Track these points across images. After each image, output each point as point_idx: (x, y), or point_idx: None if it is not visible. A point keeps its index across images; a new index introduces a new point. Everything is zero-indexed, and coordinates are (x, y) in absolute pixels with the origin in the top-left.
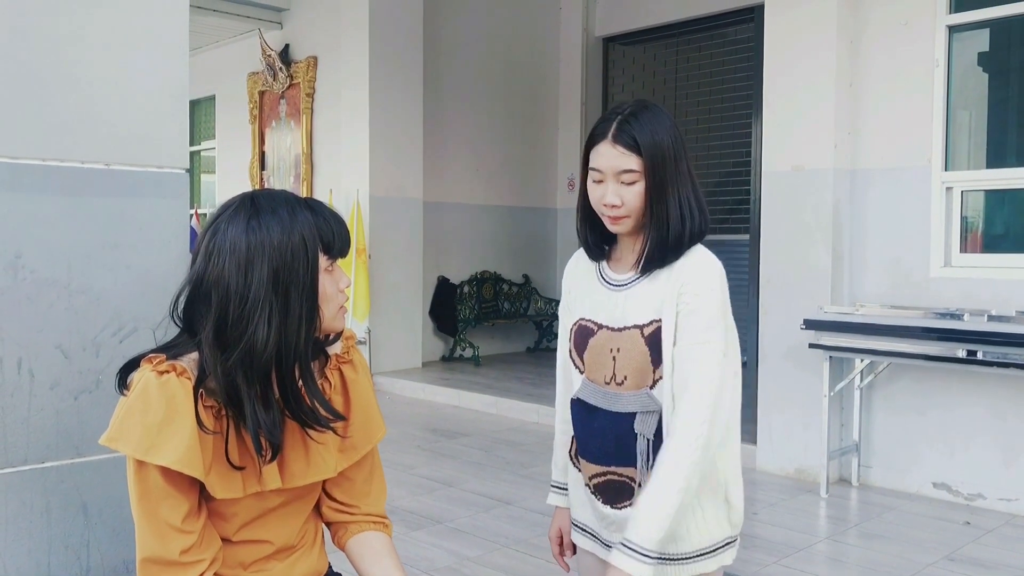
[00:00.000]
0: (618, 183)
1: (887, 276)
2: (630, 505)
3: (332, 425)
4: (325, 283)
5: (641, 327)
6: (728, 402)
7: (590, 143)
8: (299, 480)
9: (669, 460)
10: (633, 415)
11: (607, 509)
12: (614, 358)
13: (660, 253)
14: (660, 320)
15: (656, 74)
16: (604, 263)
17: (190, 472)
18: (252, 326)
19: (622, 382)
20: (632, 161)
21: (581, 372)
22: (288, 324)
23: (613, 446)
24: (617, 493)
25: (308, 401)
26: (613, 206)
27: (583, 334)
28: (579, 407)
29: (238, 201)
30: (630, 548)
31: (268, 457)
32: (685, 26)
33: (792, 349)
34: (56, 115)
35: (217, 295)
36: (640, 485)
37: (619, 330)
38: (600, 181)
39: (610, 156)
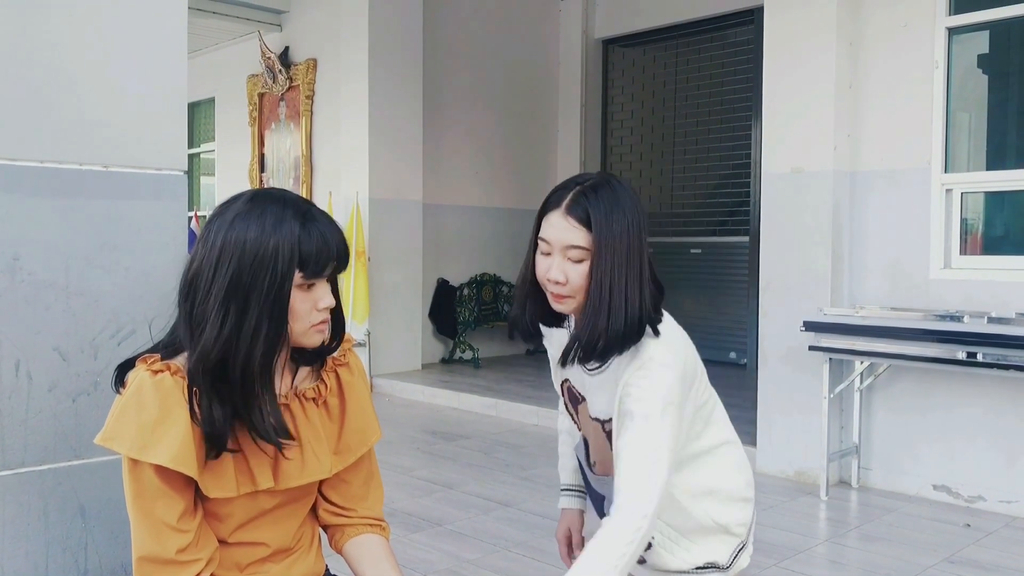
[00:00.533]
0: (564, 258)
1: (887, 278)
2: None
3: (281, 442)
4: (296, 299)
5: (602, 423)
6: (661, 481)
7: (543, 210)
8: (293, 480)
9: (605, 541)
10: (603, 498)
11: None
12: (586, 442)
13: (590, 343)
14: (611, 419)
15: (656, 76)
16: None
17: (184, 470)
18: (204, 324)
19: (593, 464)
20: (581, 237)
21: (580, 429)
22: (242, 331)
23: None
24: None
25: (259, 411)
26: (556, 282)
27: (572, 398)
28: (579, 462)
29: (240, 196)
30: None
31: (211, 454)
32: (685, 28)
33: (792, 351)
34: (54, 117)
35: (192, 286)
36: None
37: (591, 417)
38: (548, 253)
39: (560, 228)
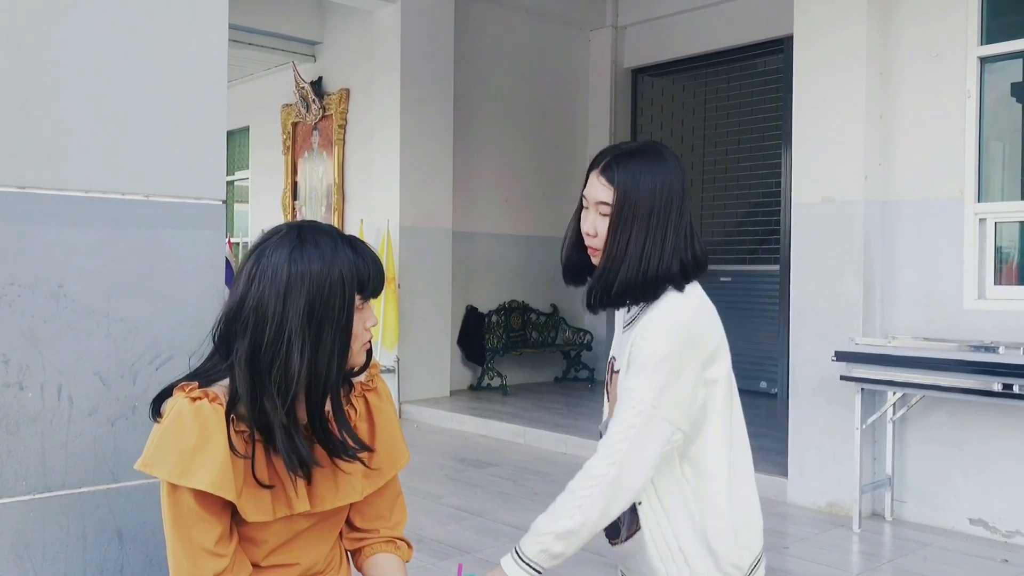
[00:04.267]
0: (597, 213)
1: (920, 308)
2: (621, 542)
3: (359, 456)
4: (354, 320)
5: (618, 372)
6: (636, 432)
7: (588, 171)
8: (327, 504)
9: (571, 487)
10: None
11: (608, 544)
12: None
13: (602, 289)
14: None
15: (685, 105)
16: None
17: (223, 494)
18: (285, 353)
19: (608, 422)
20: (608, 194)
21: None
22: (319, 355)
23: None
24: (612, 528)
25: (337, 431)
26: (587, 235)
27: (610, 371)
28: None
29: (285, 229)
30: (515, 552)
31: (303, 479)
32: (714, 57)
33: (824, 381)
34: (98, 148)
35: (255, 319)
36: (622, 524)
37: (614, 371)
38: (586, 208)
39: (593, 186)
